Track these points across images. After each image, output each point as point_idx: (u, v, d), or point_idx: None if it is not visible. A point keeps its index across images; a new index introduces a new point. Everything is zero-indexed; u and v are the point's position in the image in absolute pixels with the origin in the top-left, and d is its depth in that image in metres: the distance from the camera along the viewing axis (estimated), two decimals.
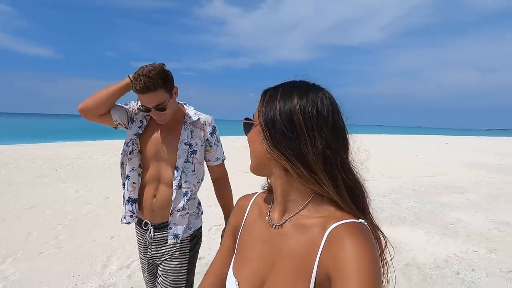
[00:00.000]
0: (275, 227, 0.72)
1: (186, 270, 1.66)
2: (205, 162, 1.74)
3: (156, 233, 1.63)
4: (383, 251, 0.67)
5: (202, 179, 1.72)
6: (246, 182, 6.89)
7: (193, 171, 1.63)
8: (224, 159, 1.80)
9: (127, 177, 1.63)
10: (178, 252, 1.63)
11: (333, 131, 0.65)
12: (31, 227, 4.31)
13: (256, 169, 0.73)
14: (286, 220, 0.70)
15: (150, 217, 1.63)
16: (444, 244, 4.00)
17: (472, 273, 3.25)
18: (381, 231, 0.67)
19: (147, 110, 1.52)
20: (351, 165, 0.68)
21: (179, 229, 1.60)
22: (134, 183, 1.63)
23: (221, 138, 1.81)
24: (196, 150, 1.63)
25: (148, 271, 1.74)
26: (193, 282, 1.72)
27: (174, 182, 1.58)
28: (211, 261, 0.88)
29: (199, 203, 1.76)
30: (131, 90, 1.53)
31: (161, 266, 1.65)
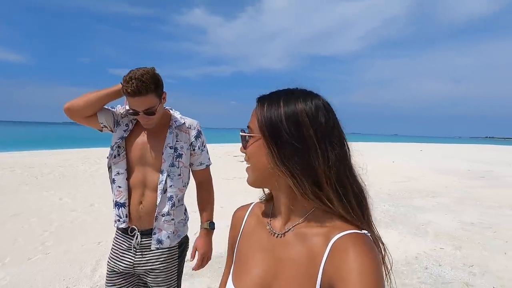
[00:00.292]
0: (277, 236, 0.71)
1: (176, 277, 1.66)
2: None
3: (142, 239, 1.60)
4: (383, 261, 0.66)
5: (187, 183, 1.70)
6: (229, 190, 7.09)
7: (179, 175, 1.61)
8: (209, 164, 1.77)
9: (113, 181, 1.61)
10: (167, 261, 1.62)
11: (339, 137, 0.66)
12: (17, 234, 4.33)
13: (257, 183, 0.71)
14: (289, 229, 0.69)
15: (137, 222, 1.60)
16: (415, 243, 4.33)
17: (439, 268, 3.57)
18: (382, 241, 0.67)
19: (136, 113, 1.50)
20: (356, 172, 0.69)
21: (163, 235, 1.58)
22: (120, 186, 1.59)
23: None
24: (182, 154, 1.61)
25: (122, 278, 1.64)
26: (180, 285, 1.73)
27: (159, 186, 1.56)
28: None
29: (185, 210, 1.74)
30: (121, 97, 1.54)
31: (149, 276, 1.61)
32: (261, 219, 0.78)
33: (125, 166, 1.60)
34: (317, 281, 0.60)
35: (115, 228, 1.67)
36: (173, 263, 1.64)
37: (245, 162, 0.72)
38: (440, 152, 24.43)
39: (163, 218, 1.58)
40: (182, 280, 1.75)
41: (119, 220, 1.61)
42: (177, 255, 1.66)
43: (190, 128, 1.67)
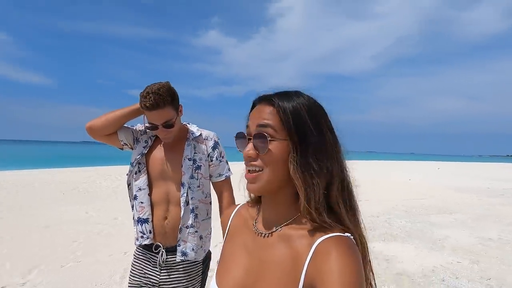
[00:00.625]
0: (263, 236, 0.71)
1: None
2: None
3: (168, 256, 1.57)
4: (369, 262, 0.68)
5: (208, 195, 1.67)
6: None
7: (198, 186, 1.60)
8: (229, 175, 1.72)
9: (135, 197, 1.60)
10: (192, 277, 1.60)
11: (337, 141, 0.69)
12: (49, 243, 4.61)
13: (265, 191, 0.68)
14: (275, 230, 0.70)
15: (161, 239, 1.58)
16: (431, 257, 4.38)
17: (456, 280, 3.62)
18: (366, 241, 0.68)
19: (155, 127, 1.52)
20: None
21: (188, 247, 1.56)
22: (142, 202, 1.59)
23: None
24: (201, 165, 1.61)
25: None
26: None
27: (181, 199, 1.56)
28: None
29: (210, 224, 1.71)
30: (140, 116, 1.59)
31: None
32: (247, 221, 0.79)
33: (147, 181, 1.60)
34: (300, 283, 0.60)
35: (136, 246, 1.65)
36: (197, 278, 1.62)
37: (251, 167, 0.67)
38: (459, 170, 23.97)
39: (187, 230, 1.56)
40: None
41: (142, 237, 1.58)
42: (201, 270, 1.64)
43: (207, 139, 1.68)
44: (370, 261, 0.69)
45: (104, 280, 3.50)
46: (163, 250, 1.57)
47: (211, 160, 1.67)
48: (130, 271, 1.66)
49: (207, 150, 1.66)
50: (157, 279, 1.59)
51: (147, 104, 1.44)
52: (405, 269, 3.92)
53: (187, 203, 1.57)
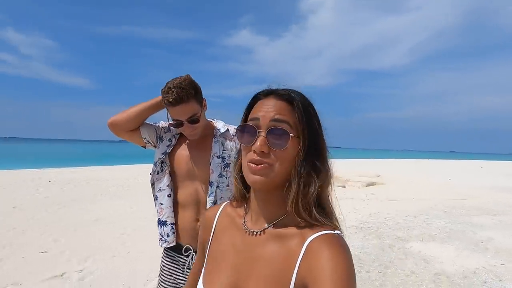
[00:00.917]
0: (254, 234, 0.70)
1: None
2: None
3: None
4: None
5: None
6: None
7: (228, 185, 1.53)
8: None
9: (156, 198, 1.57)
10: None
11: None
12: (100, 235, 5.00)
13: (271, 185, 0.66)
14: (267, 228, 0.69)
15: (191, 241, 1.51)
16: (473, 258, 4.27)
17: (499, 283, 3.53)
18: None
19: (179, 124, 1.46)
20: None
21: None
22: (161, 204, 1.54)
23: None
24: (230, 163, 1.54)
25: None
26: None
27: (208, 198, 1.49)
28: None
29: None
30: (162, 109, 1.53)
31: None
32: (235, 219, 0.78)
33: (168, 182, 1.55)
34: (291, 281, 0.60)
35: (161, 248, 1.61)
36: None
37: (260, 160, 0.64)
38: (504, 170, 22.55)
39: None
40: None
41: (161, 239, 1.56)
42: None
43: (235, 135, 1.56)
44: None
45: (154, 268, 3.77)
46: (193, 253, 1.51)
47: None
48: (159, 276, 1.63)
49: (236, 147, 1.56)
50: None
51: (170, 99, 1.38)
52: (444, 269, 3.87)
53: (215, 203, 1.48)
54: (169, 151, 1.57)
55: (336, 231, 0.64)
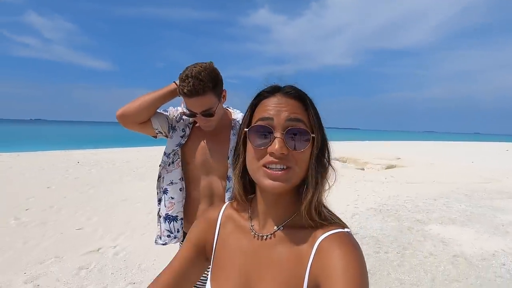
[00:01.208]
0: (264, 238, 0.69)
1: None
2: None
3: None
4: None
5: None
6: None
7: None
8: None
9: (165, 191, 1.48)
10: None
11: None
12: (129, 215, 5.30)
13: (287, 189, 0.64)
14: (276, 231, 0.69)
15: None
16: (492, 241, 4.30)
17: None
18: None
19: (193, 115, 1.39)
20: None
21: None
22: (172, 198, 1.47)
23: None
24: None
25: None
26: None
27: (226, 194, 1.44)
28: None
29: None
30: (175, 97, 1.46)
31: None
32: (240, 223, 0.76)
33: (180, 175, 1.48)
34: (305, 282, 0.60)
35: (161, 244, 1.54)
36: None
37: (281, 165, 0.62)
38: None
39: None
40: None
41: (169, 236, 1.49)
42: None
43: None
44: None
45: (176, 247, 4.03)
46: None
47: None
48: None
49: None
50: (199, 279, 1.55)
51: (185, 90, 1.30)
52: (463, 251, 3.94)
53: (231, 199, 1.43)
54: (183, 142, 1.49)
55: (346, 229, 0.64)
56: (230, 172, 1.43)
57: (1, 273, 3.22)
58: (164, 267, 0.78)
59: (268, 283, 0.65)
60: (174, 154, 1.48)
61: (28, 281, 3.07)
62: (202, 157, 1.47)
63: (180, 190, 1.48)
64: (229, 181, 1.44)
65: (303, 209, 0.64)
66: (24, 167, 9.35)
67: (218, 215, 0.80)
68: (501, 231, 4.71)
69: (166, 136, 1.52)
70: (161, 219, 1.50)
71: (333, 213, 0.68)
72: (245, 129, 0.68)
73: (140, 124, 1.46)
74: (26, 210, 5.34)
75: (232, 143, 1.46)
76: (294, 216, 0.68)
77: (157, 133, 1.51)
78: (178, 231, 1.49)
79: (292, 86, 0.68)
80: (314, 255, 0.61)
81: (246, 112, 0.72)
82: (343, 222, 0.67)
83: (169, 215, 1.48)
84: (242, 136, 0.71)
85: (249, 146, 0.67)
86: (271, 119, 0.63)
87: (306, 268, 0.61)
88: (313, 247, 0.62)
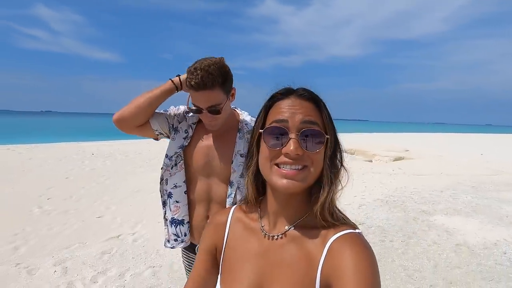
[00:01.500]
0: (275, 238, 0.70)
1: None
2: None
3: None
4: None
5: None
6: None
7: None
8: None
9: (169, 195, 1.43)
10: None
11: None
12: (144, 204, 5.56)
13: (301, 189, 0.65)
14: (287, 231, 0.69)
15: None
16: (495, 231, 4.44)
17: None
18: None
19: (198, 111, 1.31)
20: None
21: None
22: (177, 201, 1.42)
23: None
24: None
25: None
26: None
27: (227, 200, 1.37)
28: None
29: None
30: (172, 94, 1.40)
31: None
32: (249, 224, 0.76)
33: (183, 177, 1.42)
34: (316, 283, 0.61)
35: (170, 248, 1.51)
36: None
37: (296, 166, 0.64)
38: None
39: None
40: None
41: (176, 240, 1.45)
42: None
43: None
44: None
45: None
46: None
47: None
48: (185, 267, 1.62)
49: None
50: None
51: (192, 83, 1.24)
52: (466, 240, 4.08)
53: (234, 204, 1.38)
54: (186, 144, 1.42)
55: (357, 230, 0.64)
56: (233, 177, 1.37)
57: (30, 256, 3.49)
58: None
59: (281, 283, 0.65)
60: (177, 156, 1.42)
61: (57, 264, 3.33)
62: (204, 159, 1.40)
63: (185, 193, 1.43)
64: (231, 187, 1.37)
65: (316, 209, 0.65)
66: (42, 159, 9.71)
67: (227, 218, 0.81)
68: (505, 222, 4.83)
69: (168, 137, 1.47)
70: (168, 222, 1.47)
71: (344, 214, 0.69)
72: (260, 130, 0.69)
73: (139, 127, 1.41)
74: (48, 199, 5.63)
75: (238, 146, 1.39)
76: (305, 217, 0.69)
77: (157, 135, 1.47)
78: (185, 235, 1.45)
79: (305, 89, 0.69)
80: (325, 256, 0.62)
81: (259, 114, 0.72)
82: (353, 223, 0.68)
83: (175, 219, 1.44)
84: (256, 138, 0.72)
85: (263, 147, 0.68)
86: (286, 121, 0.65)
87: (318, 268, 0.62)
88: (324, 248, 0.62)
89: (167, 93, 1.38)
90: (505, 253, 3.73)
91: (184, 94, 1.42)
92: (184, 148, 1.42)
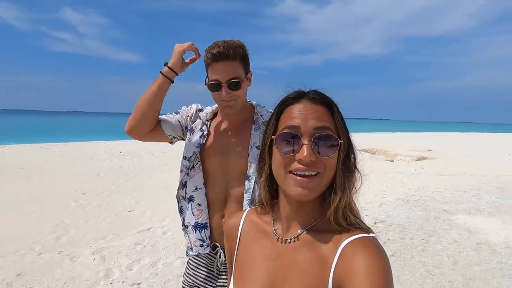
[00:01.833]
0: (288, 242, 0.70)
1: None
2: None
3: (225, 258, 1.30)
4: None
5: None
6: None
7: None
8: None
9: (191, 199, 1.38)
10: None
11: None
12: (170, 200, 5.79)
13: (314, 196, 0.65)
14: (300, 234, 0.69)
15: (219, 239, 1.37)
16: None
17: None
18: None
19: (217, 86, 1.25)
20: None
21: None
22: (200, 204, 1.37)
23: None
24: None
25: None
26: None
27: (245, 195, 1.32)
28: None
29: None
30: (168, 87, 1.36)
31: None
32: (262, 227, 0.76)
33: (203, 179, 1.38)
34: (329, 286, 0.61)
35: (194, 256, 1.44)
36: None
37: (310, 172, 0.64)
38: None
39: None
40: None
41: (202, 245, 1.38)
42: None
43: None
44: None
45: None
46: (221, 250, 1.37)
47: None
48: (184, 282, 1.48)
49: None
50: (213, 284, 1.40)
51: (214, 51, 1.21)
52: (487, 239, 4.10)
53: (252, 200, 1.30)
54: (203, 142, 1.38)
55: (371, 234, 0.64)
56: (250, 171, 1.32)
57: (71, 246, 3.82)
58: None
59: (293, 285, 0.65)
60: (195, 157, 1.37)
61: (95, 253, 3.63)
62: (220, 155, 1.36)
63: (205, 195, 1.38)
64: (248, 181, 1.32)
65: (329, 213, 0.65)
66: (74, 156, 10.29)
67: (240, 220, 0.81)
68: None
69: (183, 139, 1.45)
70: (189, 228, 1.40)
71: (359, 218, 0.68)
72: (272, 136, 0.69)
73: (152, 134, 1.40)
74: (83, 194, 6.03)
75: (253, 139, 1.34)
76: (318, 221, 0.69)
77: (171, 139, 1.46)
78: (208, 238, 1.39)
79: (317, 91, 0.68)
80: (337, 259, 0.61)
81: (270, 119, 0.72)
82: (368, 227, 0.67)
83: (199, 223, 1.38)
84: (268, 144, 0.71)
85: (275, 153, 0.68)
86: (298, 126, 0.64)
87: (330, 271, 0.61)
88: (336, 251, 0.62)
89: (161, 86, 1.35)
90: None
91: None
92: (201, 147, 1.38)
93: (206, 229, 1.37)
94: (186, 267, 1.48)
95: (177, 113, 1.46)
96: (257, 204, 0.82)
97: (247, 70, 1.31)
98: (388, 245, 3.89)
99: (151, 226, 4.51)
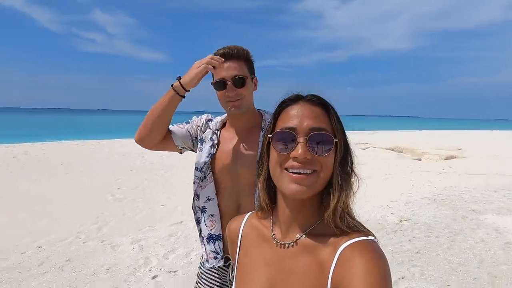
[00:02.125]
0: (286, 246, 0.70)
1: None
2: None
3: None
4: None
5: None
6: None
7: None
8: None
9: (203, 210, 1.39)
10: None
11: None
12: (189, 196, 6.10)
13: (310, 194, 0.65)
14: (298, 239, 0.69)
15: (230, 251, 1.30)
16: None
17: None
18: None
19: (223, 83, 1.28)
20: None
21: None
22: (212, 215, 1.37)
23: None
24: None
25: None
26: None
27: (256, 203, 1.26)
28: None
29: None
30: (181, 99, 1.35)
31: None
32: (262, 231, 0.77)
33: (214, 189, 1.37)
34: None
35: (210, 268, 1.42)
36: None
37: (304, 170, 0.64)
38: None
39: None
40: None
41: (216, 257, 1.37)
42: None
43: None
44: None
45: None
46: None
47: None
48: None
49: None
50: None
51: (221, 51, 1.29)
52: None
53: None
54: (214, 151, 1.37)
55: (370, 237, 0.64)
56: None
57: (111, 235, 4.15)
58: None
59: None
60: (207, 167, 1.37)
61: (134, 242, 3.93)
62: (230, 164, 1.34)
63: (218, 206, 1.38)
64: (257, 190, 1.44)
65: (327, 216, 0.65)
66: (107, 153, 10.87)
67: (240, 225, 0.82)
68: None
69: (192, 150, 1.47)
70: (205, 240, 1.39)
71: (357, 221, 0.68)
72: (268, 135, 0.71)
73: (161, 144, 1.42)
74: (118, 188, 6.44)
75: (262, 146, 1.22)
76: (316, 224, 0.69)
77: (181, 149, 1.48)
78: (222, 251, 1.37)
79: (314, 95, 0.70)
80: (336, 263, 0.61)
81: (270, 121, 0.74)
82: (368, 230, 0.67)
83: (212, 234, 1.37)
84: (266, 143, 0.73)
85: (272, 152, 0.69)
86: (295, 125, 0.66)
87: (328, 276, 0.61)
88: (335, 255, 0.62)
89: (171, 100, 1.34)
90: None
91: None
92: (211, 156, 1.37)
93: (220, 240, 1.36)
94: (197, 281, 1.46)
95: (187, 123, 1.48)
96: (257, 208, 0.82)
97: (252, 72, 1.36)
98: (413, 242, 3.95)
99: (183, 220, 4.78)
